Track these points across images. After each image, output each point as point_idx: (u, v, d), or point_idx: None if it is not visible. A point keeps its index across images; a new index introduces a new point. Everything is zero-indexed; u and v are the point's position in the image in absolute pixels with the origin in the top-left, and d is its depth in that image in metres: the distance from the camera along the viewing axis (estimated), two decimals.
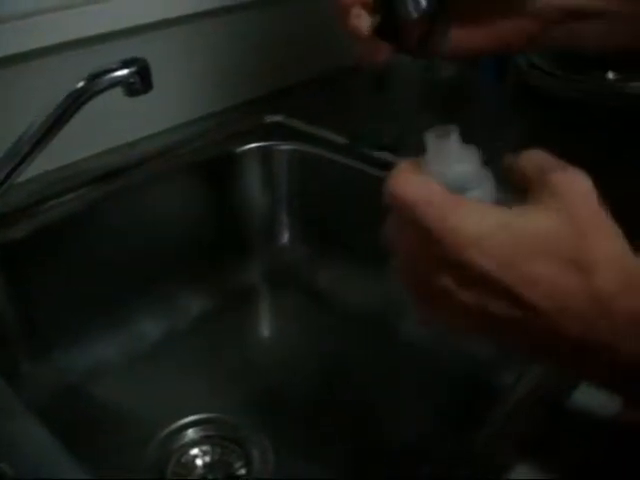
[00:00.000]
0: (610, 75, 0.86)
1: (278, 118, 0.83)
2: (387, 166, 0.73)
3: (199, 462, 0.61)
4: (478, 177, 0.36)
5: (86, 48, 0.68)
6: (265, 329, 0.79)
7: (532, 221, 0.32)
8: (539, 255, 0.31)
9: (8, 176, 0.55)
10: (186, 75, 0.80)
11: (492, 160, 0.36)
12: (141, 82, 0.54)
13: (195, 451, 0.61)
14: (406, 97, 0.93)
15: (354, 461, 0.60)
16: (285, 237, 0.83)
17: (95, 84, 0.54)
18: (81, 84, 0.54)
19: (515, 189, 0.35)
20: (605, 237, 0.32)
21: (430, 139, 0.36)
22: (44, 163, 0.65)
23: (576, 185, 0.33)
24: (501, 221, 0.32)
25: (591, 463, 0.41)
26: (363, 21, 0.50)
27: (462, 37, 0.53)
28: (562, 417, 0.43)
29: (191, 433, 0.62)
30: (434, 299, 0.34)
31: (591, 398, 0.44)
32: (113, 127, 0.74)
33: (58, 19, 0.65)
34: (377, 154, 0.75)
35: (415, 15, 0.51)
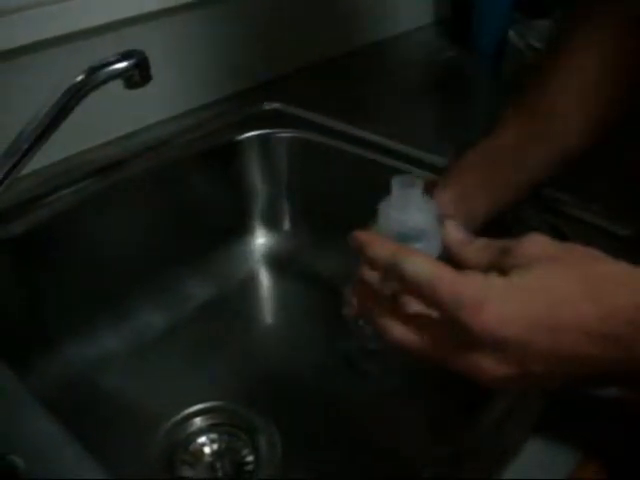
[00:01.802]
0: None
1: (277, 105, 0.83)
2: (388, 152, 0.74)
3: (207, 450, 0.61)
4: (433, 228, 0.38)
5: (83, 40, 0.68)
6: (268, 316, 0.80)
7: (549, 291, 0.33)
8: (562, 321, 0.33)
9: (10, 172, 0.55)
10: (184, 65, 0.80)
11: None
12: (140, 74, 0.54)
13: (203, 439, 0.62)
14: (405, 80, 0.93)
15: (361, 447, 0.60)
16: (286, 224, 0.83)
17: (94, 77, 0.54)
18: (80, 78, 0.54)
19: None
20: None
21: (395, 186, 0.38)
22: (43, 157, 0.65)
23: (536, 242, 0.35)
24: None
25: (608, 440, 0.41)
26: None
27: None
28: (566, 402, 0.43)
29: (198, 421, 0.63)
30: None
31: None
32: (111, 119, 0.74)
33: (54, 12, 0.65)
34: (377, 139, 0.75)
35: None
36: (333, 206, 0.79)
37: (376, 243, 0.36)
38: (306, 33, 0.92)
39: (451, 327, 0.33)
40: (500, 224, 0.62)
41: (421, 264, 0.34)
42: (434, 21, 1.13)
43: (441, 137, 0.77)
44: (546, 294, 0.33)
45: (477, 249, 0.37)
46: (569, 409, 0.43)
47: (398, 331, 0.35)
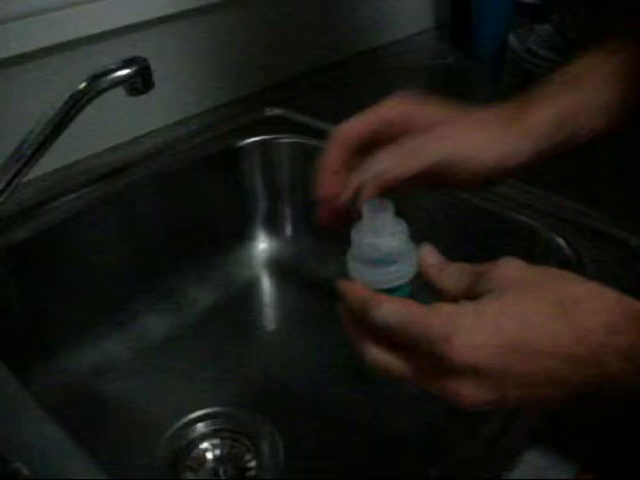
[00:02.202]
0: None
1: (278, 111, 0.84)
2: None
3: (209, 456, 0.61)
4: (406, 250, 0.38)
5: (85, 47, 0.68)
6: (270, 322, 0.80)
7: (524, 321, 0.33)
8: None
9: (13, 179, 0.55)
10: (186, 71, 0.80)
11: None
12: (142, 82, 0.55)
13: (205, 445, 0.62)
14: (405, 85, 0.93)
15: (363, 452, 0.61)
16: (287, 230, 0.84)
17: (96, 85, 0.54)
18: (82, 85, 0.54)
19: None
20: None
21: (366, 210, 0.38)
22: (45, 164, 0.65)
23: (509, 267, 0.35)
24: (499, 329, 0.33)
25: (604, 450, 0.41)
26: None
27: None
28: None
29: (201, 427, 0.63)
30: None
31: None
32: (113, 125, 0.75)
33: (57, 19, 0.65)
34: None
35: None
36: None
37: (349, 291, 0.37)
38: (307, 39, 0.93)
39: (429, 358, 0.33)
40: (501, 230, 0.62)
41: (389, 310, 0.34)
42: (434, 26, 1.13)
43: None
44: (518, 319, 0.33)
45: (452, 274, 0.37)
46: (565, 421, 0.43)
47: (380, 356, 0.36)
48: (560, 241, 0.59)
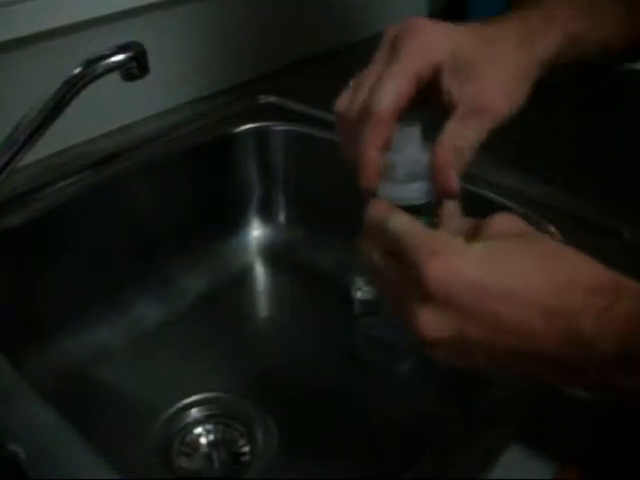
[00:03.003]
0: None
1: (272, 99, 0.84)
2: None
3: (203, 441, 0.62)
4: (429, 169, 0.39)
5: (81, 32, 0.68)
6: (263, 308, 0.80)
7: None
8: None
9: (6, 165, 0.55)
10: (180, 57, 0.80)
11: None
12: (138, 67, 0.54)
13: (199, 430, 0.62)
14: None
15: (356, 439, 0.61)
16: (281, 217, 0.84)
17: (91, 70, 0.54)
18: (77, 70, 0.54)
19: None
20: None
21: (397, 129, 0.39)
22: (40, 149, 0.65)
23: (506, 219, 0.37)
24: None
25: (586, 445, 0.42)
26: None
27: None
28: (558, 398, 0.44)
29: (194, 412, 0.64)
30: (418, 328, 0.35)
31: None
32: (107, 111, 0.75)
33: (51, 3, 0.65)
34: None
35: None
36: (328, 199, 0.79)
37: (373, 205, 0.38)
38: (303, 26, 0.92)
39: (410, 274, 0.34)
40: None
41: (400, 221, 0.36)
42: (429, 13, 1.13)
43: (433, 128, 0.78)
44: (500, 261, 0.34)
45: (458, 223, 0.39)
46: (549, 414, 0.44)
47: (374, 257, 0.37)
48: (554, 231, 0.60)
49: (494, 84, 0.42)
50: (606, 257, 0.34)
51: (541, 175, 0.67)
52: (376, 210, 0.38)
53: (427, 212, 0.39)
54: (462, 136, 0.41)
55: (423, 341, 0.35)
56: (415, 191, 0.39)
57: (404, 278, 0.35)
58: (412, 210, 0.38)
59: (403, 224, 0.36)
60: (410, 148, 0.39)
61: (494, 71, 0.42)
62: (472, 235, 0.36)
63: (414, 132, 0.39)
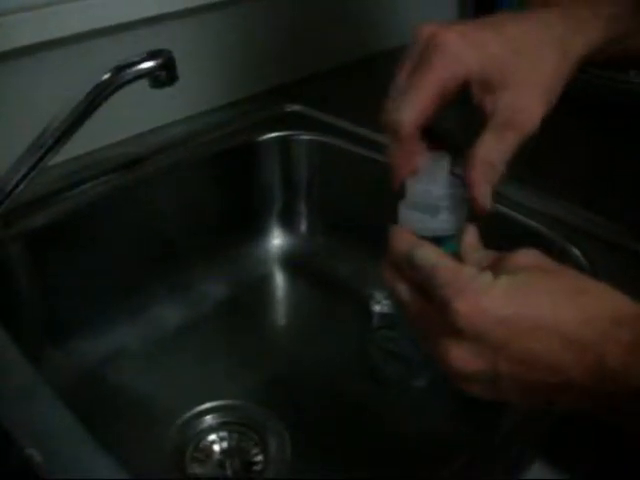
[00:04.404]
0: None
1: (298, 108, 0.84)
2: None
3: (216, 448, 0.62)
4: (456, 202, 0.39)
5: (111, 36, 0.69)
6: (282, 316, 0.80)
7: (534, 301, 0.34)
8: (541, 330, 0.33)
9: (34, 166, 0.56)
10: (206, 65, 0.81)
11: None
12: (166, 74, 0.55)
13: (213, 437, 0.63)
14: None
15: (369, 452, 0.61)
16: (302, 226, 0.84)
17: (120, 76, 0.54)
18: (107, 76, 0.55)
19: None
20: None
21: (424, 159, 0.40)
22: (65, 151, 0.66)
23: (530, 254, 0.37)
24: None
25: (603, 464, 0.41)
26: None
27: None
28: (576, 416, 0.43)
29: (209, 419, 0.64)
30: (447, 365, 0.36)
31: None
32: (134, 115, 0.75)
33: (84, 7, 0.66)
34: None
35: None
36: (350, 210, 0.79)
37: (397, 235, 0.38)
38: (329, 36, 0.93)
39: (439, 310, 0.34)
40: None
41: (428, 253, 0.36)
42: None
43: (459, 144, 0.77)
44: (527, 295, 0.34)
45: (480, 256, 0.39)
46: (568, 434, 0.43)
47: (404, 292, 0.38)
48: (575, 251, 0.59)
49: (528, 89, 0.41)
50: (630, 279, 0.34)
51: (560, 193, 0.66)
52: (401, 241, 0.38)
53: (450, 242, 0.39)
54: (496, 149, 0.40)
55: (456, 375, 0.35)
56: (440, 222, 0.39)
57: (433, 313, 0.35)
58: (435, 240, 0.38)
59: (430, 258, 0.36)
60: (437, 179, 0.39)
61: (527, 75, 0.41)
62: (496, 268, 0.36)
63: (442, 164, 0.39)
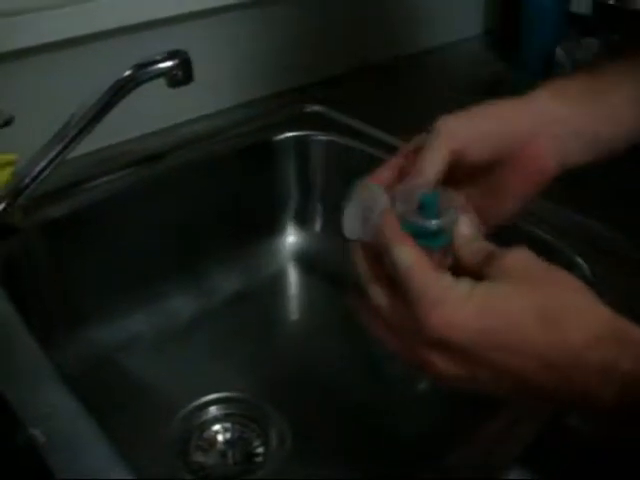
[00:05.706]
0: None
1: (317, 108, 0.85)
2: None
3: (220, 438, 0.64)
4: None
5: (133, 35, 0.71)
6: (293, 313, 0.81)
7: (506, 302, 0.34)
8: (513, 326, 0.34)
9: (54, 159, 0.58)
10: (228, 62, 0.82)
11: None
12: (183, 74, 0.56)
13: (217, 427, 0.64)
14: (449, 92, 0.93)
15: (369, 450, 0.62)
16: (317, 225, 0.85)
17: (140, 74, 0.56)
18: (127, 73, 0.57)
19: None
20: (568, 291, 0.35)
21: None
22: (85, 145, 0.68)
23: (519, 258, 0.36)
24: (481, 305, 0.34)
25: (587, 470, 0.42)
26: None
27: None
28: (562, 423, 0.44)
29: (214, 410, 0.65)
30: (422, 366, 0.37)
31: None
32: (153, 112, 0.77)
33: (108, 6, 0.68)
34: None
35: None
36: None
37: (385, 221, 0.38)
38: (352, 37, 0.93)
39: (411, 320, 0.35)
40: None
41: (406, 253, 0.36)
42: (482, 32, 1.13)
43: None
44: (502, 313, 0.34)
45: (473, 250, 0.38)
46: (552, 444, 0.44)
47: (378, 295, 0.38)
48: (579, 260, 0.59)
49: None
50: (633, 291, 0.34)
51: (569, 204, 0.66)
52: (387, 228, 0.38)
53: (441, 235, 0.39)
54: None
55: (438, 379, 0.36)
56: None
57: (407, 319, 0.36)
58: (422, 230, 0.38)
59: (406, 260, 0.36)
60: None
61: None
62: (482, 271, 0.36)
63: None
